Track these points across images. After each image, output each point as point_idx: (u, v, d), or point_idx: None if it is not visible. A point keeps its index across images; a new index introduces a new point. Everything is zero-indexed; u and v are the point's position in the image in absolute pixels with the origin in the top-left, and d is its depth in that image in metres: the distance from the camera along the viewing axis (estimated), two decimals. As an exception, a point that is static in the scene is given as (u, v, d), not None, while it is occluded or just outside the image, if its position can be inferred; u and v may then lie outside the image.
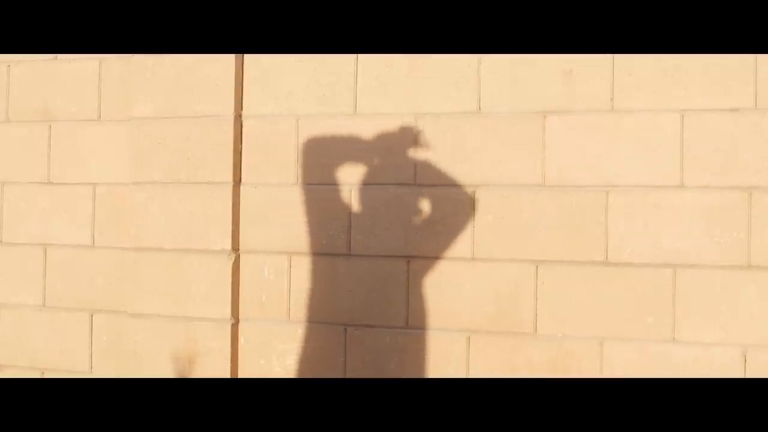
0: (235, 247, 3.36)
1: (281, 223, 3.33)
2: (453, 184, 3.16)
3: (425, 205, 3.19)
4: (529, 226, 3.09)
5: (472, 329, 3.14)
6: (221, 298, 3.34)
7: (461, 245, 3.15)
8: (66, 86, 3.66)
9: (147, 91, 3.45)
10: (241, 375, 3.35)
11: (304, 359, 3.30)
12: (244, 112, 3.39)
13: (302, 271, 3.31)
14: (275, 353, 3.33)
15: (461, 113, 3.17)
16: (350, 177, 3.27)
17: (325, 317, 3.28)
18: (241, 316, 3.36)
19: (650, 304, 2.97)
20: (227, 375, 3.32)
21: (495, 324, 3.11)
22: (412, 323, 3.20)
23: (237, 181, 3.37)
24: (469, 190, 3.15)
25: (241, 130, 3.38)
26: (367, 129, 3.26)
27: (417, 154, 3.21)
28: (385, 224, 3.23)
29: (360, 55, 3.27)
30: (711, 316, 2.92)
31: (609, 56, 3.02)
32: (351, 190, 3.27)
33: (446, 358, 3.16)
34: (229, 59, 3.35)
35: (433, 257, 3.18)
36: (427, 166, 3.19)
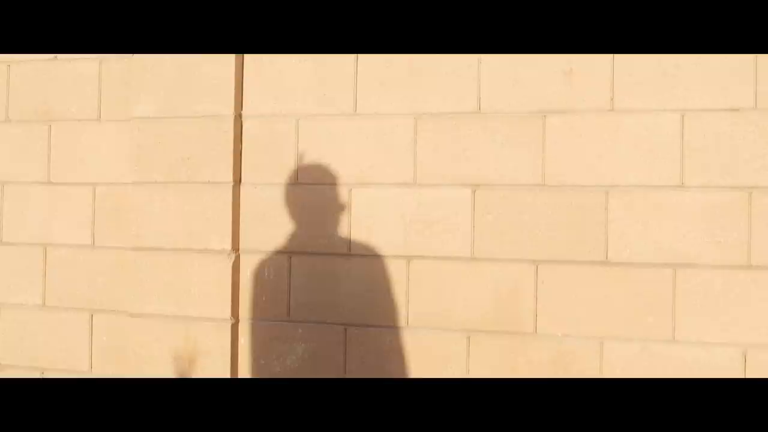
0: (235, 247, 3.36)
1: (281, 223, 3.33)
2: (452, 184, 3.16)
3: (424, 205, 3.19)
4: (529, 226, 3.09)
5: (472, 329, 3.14)
6: (221, 298, 3.34)
7: (461, 245, 3.15)
8: (66, 86, 3.66)
9: (147, 91, 3.45)
10: (241, 375, 3.35)
11: (304, 359, 3.30)
12: (244, 112, 3.39)
13: (302, 271, 3.31)
14: (275, 353, 3.33)
15: (461, 113, 3.17)
16: (350, 177, 3.27)
17: (325, 317, 3.28)
18: (241, 316, 3.37)
19: (650, 304, 2.97)
20: (227, 375, 3.33)
21: (495, 324, 3.11)
22: (412, 323, 3.20)
23: (237, 181, 3.37)
24: (469, 190, 3.15)
25: (241, 130, 3.39)
26: (367, 129, 3.26)
27: (417, 154, 3.21)
28: (385, 224, 3.23)
29: (360, 55, 3.27)
30: (711, 316, 2.92)
31: (609, 56, 3.02)
32: (351, 190, 3.27)
33: (446, 358, 3.16)
34: (229, 59, 3.36)
35: (433, 257, 3.18)
36: (427, 166, 3.19)
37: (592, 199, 3.03)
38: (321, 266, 3.29)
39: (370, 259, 3.24)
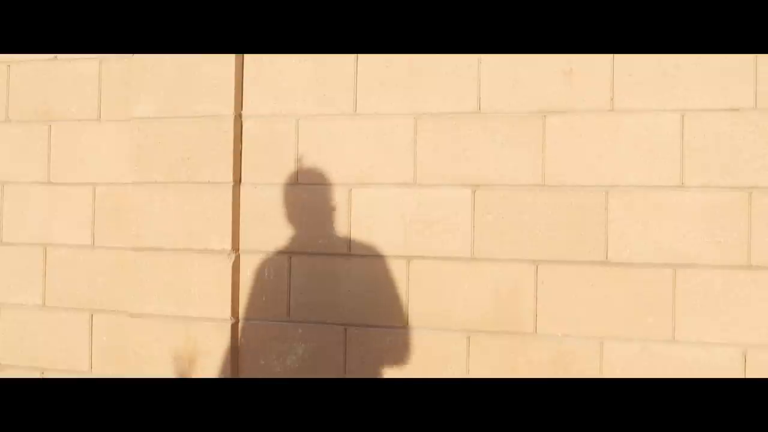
0: (235, 247, 3.36)
1: (281, 223, 3.33)
2: (452, 184, 3.16)
3: (424, 205, 3.19)
4: (529, 226, 3.09)
5: (472, 329, 3.14)
6: (221, 298, 3.34)
7: (461, 245, 3.15)
8: (66, 86, 3.66)
9: (147, 91, 3.45)
10: (241, 375, 3.35)
11: (304, 359, 3.30)
12: (244, 112, 3.39)
13: (302, 271, 3.31)
14: (275, 353, 3.33)
15: (461, 113, 3.17)
16: (350, 177, 3.27)
17: (325, 317, 3.28)
18: (241, 316, 3.37)
19: (650, 304, 2.97)
20: (227, 375, 3.32)
21: (495, 324, 3.11)
22: (412, 323, 3.20)
23: (237, 181, 3.37)
24: (469, 190, 3.15)
25: (241, 130, 3.39)
26: (367, 129, 3.26)
27: (417, 154, 3.21)
28: (385, 224, 3.23)
29: (360, 55, 3.27)
30: (711, 316, 2.92)
31: (609, 56, 3.02)
32: (351, 190, 3.27)
33: (446, 358, 3.16)
34: (229, 59, 3.36)
35: (433, 257, 3.18)
36: (427, 166, 3.19)
37: (592, 199, 3.03)
38: (321, 266, 3.29)
39: (370, 259, 3.24)
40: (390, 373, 3.21)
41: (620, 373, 2.99)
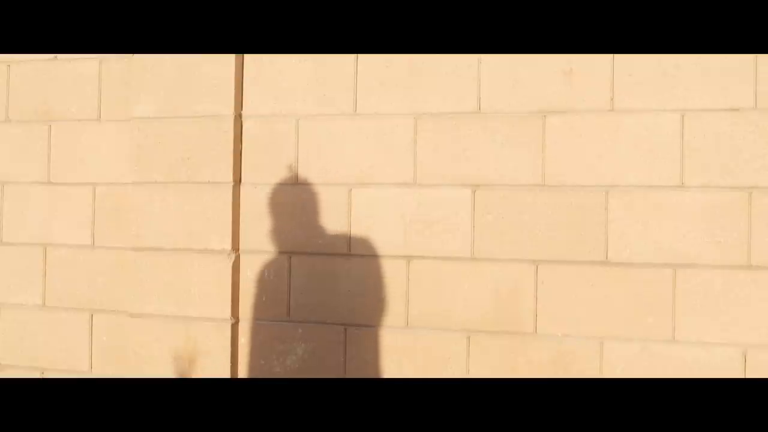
0: (235, 247, 3.36)
1: (281, 223, 3.33)
2: (452, 184, 3.16)
3: (424, 205, 3.19)
4: (529, 226, 3.09)
5: (472, 329, 3.14)
6: (221, 298, 3.34)
7: (461, 245, 3.15)
8: (66, 86, 3.66)
9: (147, 91, 3.45)
10: (241, 375, 3.35)
11: (304, 359, 3.30)
12: (244, 112, 3.39)
13: (302, 271, 3.31)
14: (275, 353, 3.33)
15: (461, 113, 3.17)
16: (350, 177, 3.27)
17: (325, 317, 3.28)
18: (241, 316, 3.37)
19: (650, 304, 2.97)
20: (227, 375, 3.33)
21: (495, 324, 3.11)
22: (412, 323, 3.20)
23: (237, 181, 3.37)
24: (469, 190, 3.15)
25: (241, 130, 3.39)
26: (367, 129, 3.26)
27: (417, 154, 3.21)
28: (385, 224, 3.23)
29: (360, 55, 3.27)
30: (711, 316, 2.92)
31: (609, 56, 3.02)
32: (351, 190, 3.27)
33: (446, 358, 3.16)
34: (229, 59, 3.36)
35: (433, 257, 3.18)
36: (427, 166, 3.19)
37: (592, 199, 3.03)
38: (321, 266, 3.29)
39: (370, 259, 3.24)
40: (390, 373, 3.21)
41: (620, 373, 2.99)
